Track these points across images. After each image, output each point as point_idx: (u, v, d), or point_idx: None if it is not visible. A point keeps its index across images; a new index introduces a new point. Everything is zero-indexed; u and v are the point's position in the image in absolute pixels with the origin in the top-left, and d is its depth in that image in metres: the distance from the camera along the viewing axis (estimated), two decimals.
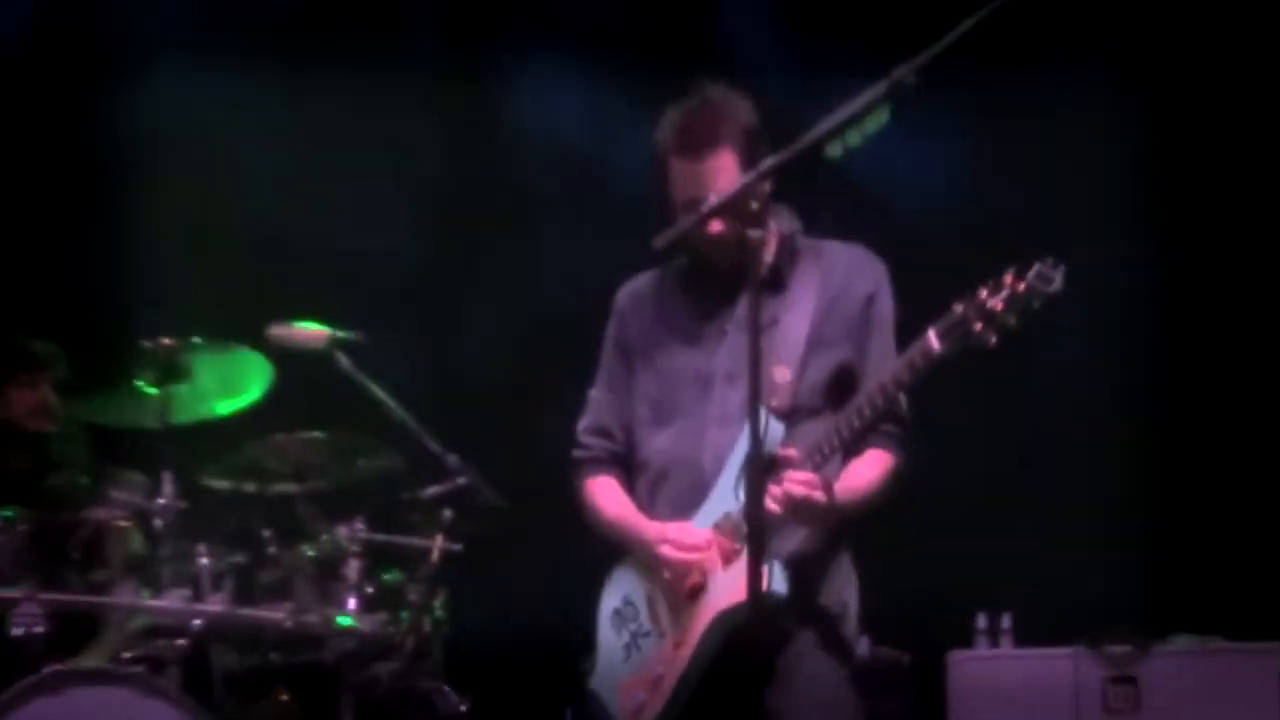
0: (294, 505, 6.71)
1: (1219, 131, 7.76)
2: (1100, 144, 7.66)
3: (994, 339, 4.47)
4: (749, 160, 4.89)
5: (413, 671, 6.59)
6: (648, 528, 5.01)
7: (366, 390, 6.53)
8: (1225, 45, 7.73)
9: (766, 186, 4.87)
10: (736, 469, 4.75)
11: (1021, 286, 4.45)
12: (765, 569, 4.45)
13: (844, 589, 4.97)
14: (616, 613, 5.11)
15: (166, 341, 6.49)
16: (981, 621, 7.38)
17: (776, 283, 5.04)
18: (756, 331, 4.39)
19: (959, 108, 7.45)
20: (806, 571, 4.85)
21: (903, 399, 4.94)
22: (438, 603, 6.68)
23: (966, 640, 7.41)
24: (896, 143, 7.31)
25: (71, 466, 6.92)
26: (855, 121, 4.35)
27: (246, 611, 6.40)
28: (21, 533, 6.33)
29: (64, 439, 7.04)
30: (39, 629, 6.10)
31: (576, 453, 5.24)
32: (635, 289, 5.24)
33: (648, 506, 5.08)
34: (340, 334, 6.55)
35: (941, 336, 4.56)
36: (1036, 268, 4.45)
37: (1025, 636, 7.38)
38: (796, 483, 4.67)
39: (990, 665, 7.29)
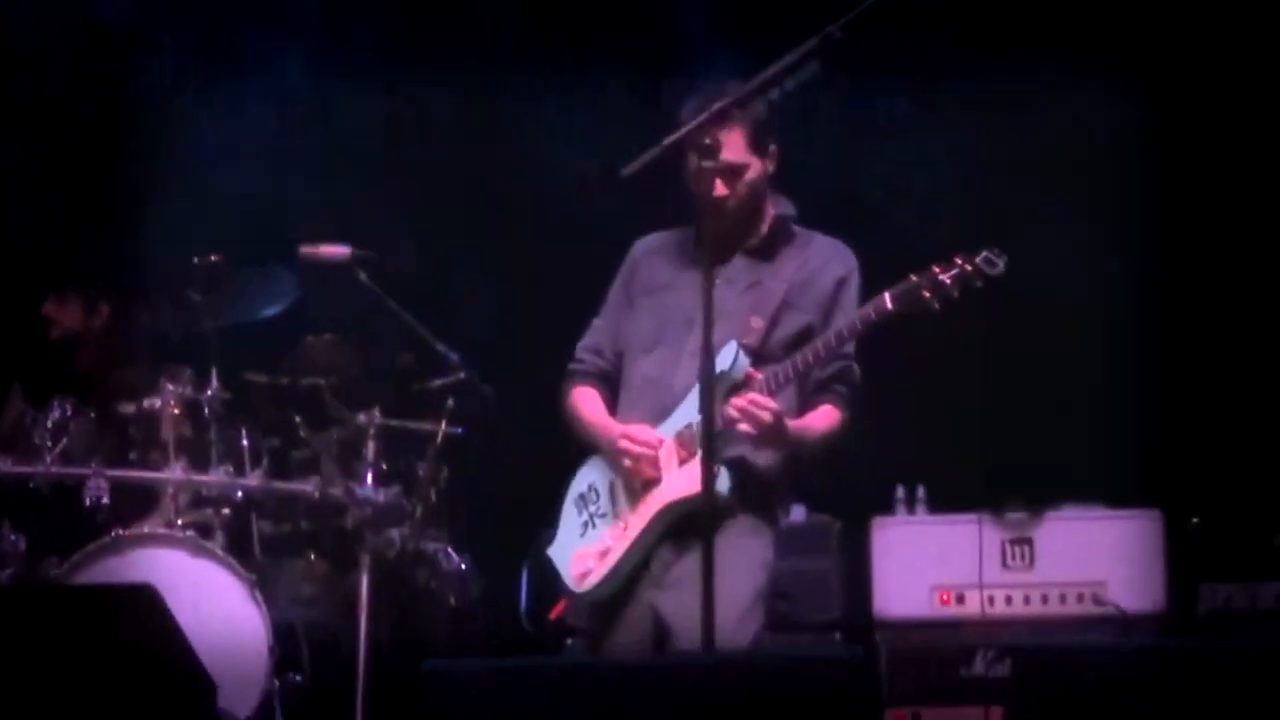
0: (321, 395, 7.20)
1: (1218, 127, 7.81)
2: (1099, 139, 7.74)
3: (938, 306, 5.16)
4: (756, 141, 5.50)
5: (421, 536, 7.14)
6: (614, 425, 5.57)
7: (382, 299, 6.98)
8: (1225, 40, 7.76)
9: (770, 167, 5.52)
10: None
11: (969, 268, 5.15)
12: (717, 469, 5.06)
13: (779, 478, 5.55)
14: (580, 497, 5.68)
15: (214, 258, 6.98)
16: (900, 492, 7.51)
17: (767, 253, 5.61)
18: (709, 254, 5.02)
19: (957, 106, 7.73)
20: (749, 477, 5.44)
21: (856, 369, 5.54)
22: (442, 478, 7.22)
23: (888, 508, 7.50)
24: (897, 141, 7.87)
25: (134, 363, 7.33)
26: (790, 71, 4.91)
27: (281, 485, 6.94)
28: (91, 419, 6.93)
29: (115, 341, 7.40)
30: (105, 500, 6.66)
31: (572, 365, 5.78)
32: (649, 242, 5.79)
33: (626, 417, 5.60)
34: (360, 252, 6.98)
35: (895, 298, 5.23)
36: (984, 254, 5.15)
37: (937, 505, 7.50)
38: (749, 399, 5.28)
39: (907, 529, 7.42)
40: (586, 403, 5.72)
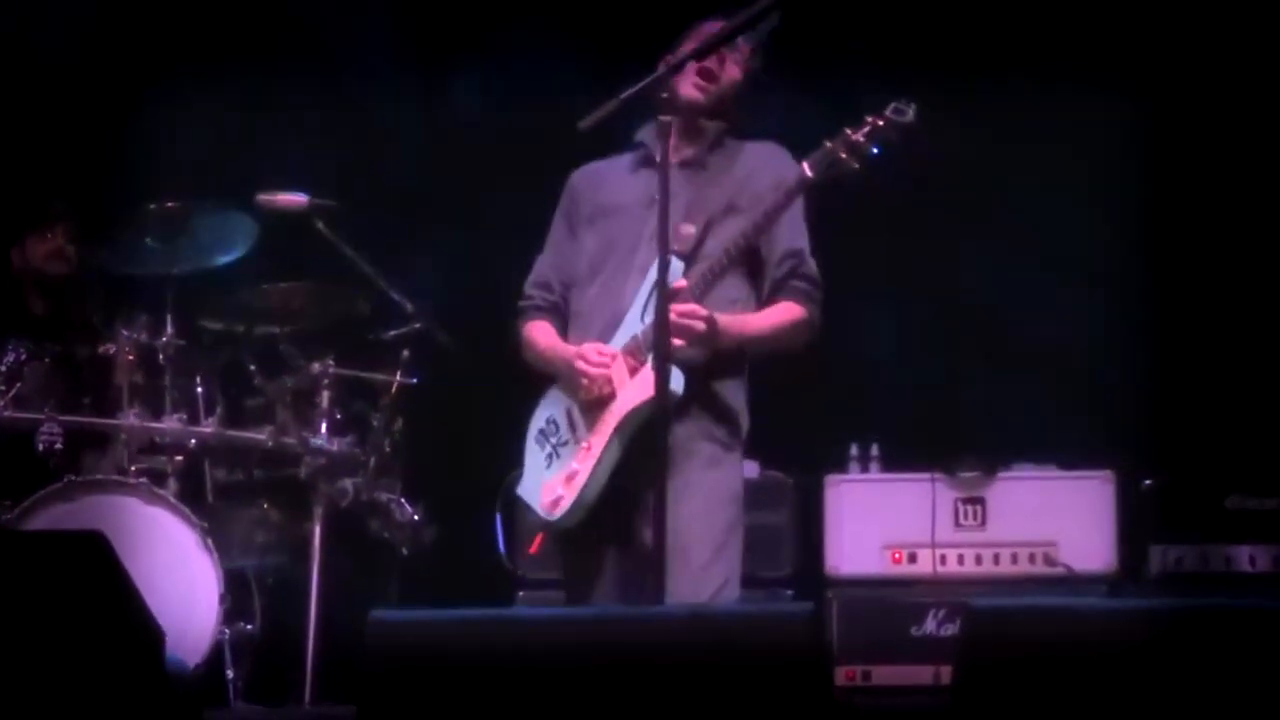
0: (276, 343, 7.14)
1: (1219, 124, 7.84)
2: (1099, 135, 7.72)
3: (857, 165, 5.18)
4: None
5: (374, 485, 7.09)
6: (569, 348, 5.53)
7: (339, 247, 6.98)
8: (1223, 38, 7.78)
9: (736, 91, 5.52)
10: (643, 301, 5.31)
11: (880, 121, 5.18)
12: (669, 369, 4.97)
13: (735, 398, 5.52)
14: (540, 432, 5.62)
15: (170, 204, 6.96)
16: (854, 449, 7.55)
17: (701, 164, 5.56)
18: (666, 181, 4.99)
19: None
20: (700, 377, 5.39)
21: (812, 262, 5.49)
22: (396, 428, 7.19)
23: (841, 465, 7.54)
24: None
25: (88, 308, 7.35)
26: (751, 24, 5.02)
27: (234, 433, 6.95)
28: (44, 364, 6.89)
29: (81, 285, 7.40)
30: (58, 445, 6.67)
31: (521, 303, 5.73)
32: (588, 170, 5.74)
33: (578, 342, 5.54)
34: (318, 200, 6.98)
35: (813, 165, 5.24)
36: (892, 105, 5.18)
37: (891, 463, 7.56)
38: (679, 312, 5.20)
39: (861, 487, 7.46)
40: (540, 334, 5.69)
